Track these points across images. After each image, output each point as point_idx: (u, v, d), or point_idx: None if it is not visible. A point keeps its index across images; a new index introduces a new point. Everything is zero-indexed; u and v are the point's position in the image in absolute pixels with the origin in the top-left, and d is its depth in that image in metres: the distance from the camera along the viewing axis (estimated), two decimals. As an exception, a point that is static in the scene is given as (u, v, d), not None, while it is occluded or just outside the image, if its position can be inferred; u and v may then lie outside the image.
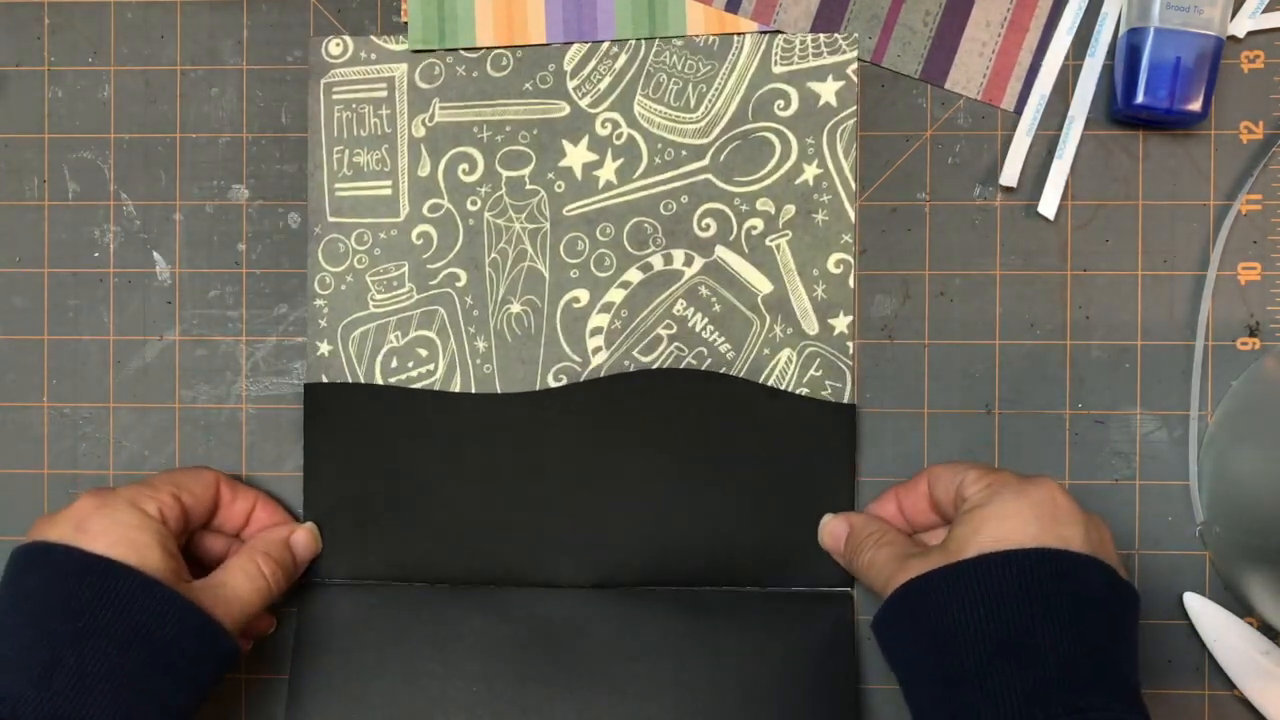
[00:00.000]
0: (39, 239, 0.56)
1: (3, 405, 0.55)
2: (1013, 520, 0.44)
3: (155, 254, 0.55)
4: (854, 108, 0.53)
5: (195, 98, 0.55)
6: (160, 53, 0.55)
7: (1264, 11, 0.53)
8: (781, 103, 0.53)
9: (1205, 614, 0.52)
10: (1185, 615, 0.52)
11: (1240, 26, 0.53)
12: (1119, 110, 0.53)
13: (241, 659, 0.52)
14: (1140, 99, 0.51)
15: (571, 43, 0.54)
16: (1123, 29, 0.52)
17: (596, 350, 0.54)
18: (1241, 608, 0.52)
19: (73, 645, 0.43)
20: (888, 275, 0.54)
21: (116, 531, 0.46)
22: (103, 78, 0.55)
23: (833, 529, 0.52)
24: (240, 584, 0.49)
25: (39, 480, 0.55)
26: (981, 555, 0.43)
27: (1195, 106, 0.51)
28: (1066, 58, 0.54)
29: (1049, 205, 0.53)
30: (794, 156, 0.53)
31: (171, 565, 0.46)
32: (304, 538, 0.53)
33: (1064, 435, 0.53)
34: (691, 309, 0.54)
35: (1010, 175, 0.53)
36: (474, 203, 0.54)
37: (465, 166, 0.54)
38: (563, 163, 0.54)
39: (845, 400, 0.53)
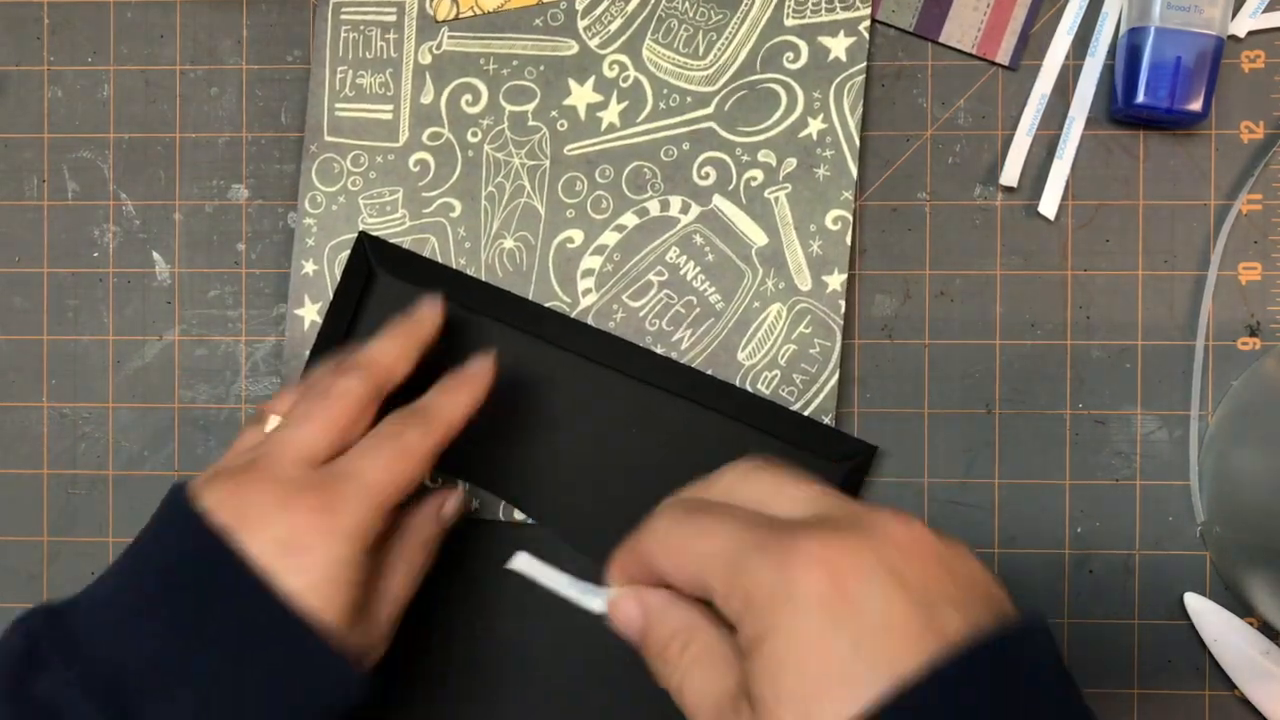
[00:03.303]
0: (39, 239, 0.56)
1: (3, 405, 0.55)
2: (830, 661, 0.29)
3: (155, 254, 0.55)
4: (863, 64, 0.53)
5: (195, 98, 0.55)
6: (160, 53, 0.55)
7: (1264, 11, 0.53)
8: (791, 55, 0.53)
9: (1205, 614, 0.52)
10: (1185, 615, 0.52)
11: (1241, 26, 0.53)
12: (1119, 110, 0.52)
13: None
14: (1140, 99, 0.51)
15: None
16: (1123, 29, 0.52)
17: (586, 292, 0.53)
18: (1241, 608, 0.52)
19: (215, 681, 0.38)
20: (888, 275, 0.54)
21: (323, 571, 0.39)
22: (103, 78, 0.55)
23: (625, 612, 0.37)
24: (400, 589, 0.43)
25: (39, 480, 0.55)
26: None
27: (1195, 106, 0.51)
28: (1066, 58, 0.53)
29: (1049, 205, 0.53)
30: (799, 109, 0.53)
31: (357, 611, 0.41)
32: (455, 507, 0.47)
33: (1064, 435, 0.53)
34: (684, 257, 0.53)
35: (1010, 175, 0.53)
36: (475, 134, 0.54)
37: (469, 97, 0.54)
38: (567, 101, 0.54)
39: (834, 358, 0.52)
